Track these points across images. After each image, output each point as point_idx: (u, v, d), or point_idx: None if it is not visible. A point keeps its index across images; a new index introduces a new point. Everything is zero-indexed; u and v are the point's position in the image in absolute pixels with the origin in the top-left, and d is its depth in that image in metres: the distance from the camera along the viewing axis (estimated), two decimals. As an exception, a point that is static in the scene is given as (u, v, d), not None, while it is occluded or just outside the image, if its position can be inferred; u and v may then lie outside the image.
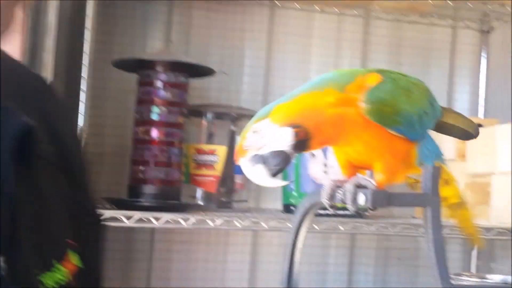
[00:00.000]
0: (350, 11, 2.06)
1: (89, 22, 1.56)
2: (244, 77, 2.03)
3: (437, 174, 0.89)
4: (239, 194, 1.80)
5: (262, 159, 0.88)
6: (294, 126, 0.88)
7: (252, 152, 0.89)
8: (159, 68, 1.65)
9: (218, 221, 1.50)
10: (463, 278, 1.50)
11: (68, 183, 0.75)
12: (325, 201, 0.96)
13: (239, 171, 1.82)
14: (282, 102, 0.91)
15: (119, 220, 1.46)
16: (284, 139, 0.88)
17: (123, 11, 1.94)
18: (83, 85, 1.56)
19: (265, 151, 0.88)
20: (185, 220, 1.49)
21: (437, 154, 1.02)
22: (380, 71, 0.95)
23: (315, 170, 1.68)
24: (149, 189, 1.58)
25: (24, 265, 0.61)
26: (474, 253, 2.09)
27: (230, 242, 1.97)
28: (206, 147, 1.74)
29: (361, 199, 0.89)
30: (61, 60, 1.61)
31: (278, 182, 0.90)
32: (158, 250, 1.91)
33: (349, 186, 0.91)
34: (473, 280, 1.49)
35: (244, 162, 0.89)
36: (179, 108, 1.66)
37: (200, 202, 1.72)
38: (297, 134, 0.88)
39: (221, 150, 1.72)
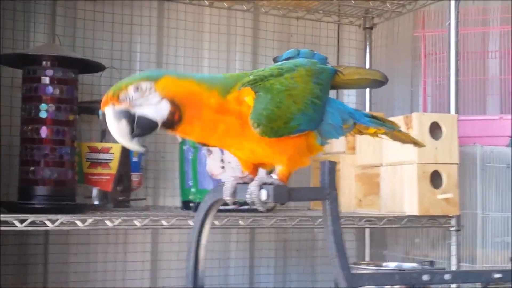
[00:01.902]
0: (239, 6, 2.07)
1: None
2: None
3: (333, 169, 0.93)
4: (137, 192, 1.77)
5: (130, 117, 0.88)
6: (173, 104, 0.89)
7: (124, 105, 0.88)
8: (45, 64, 1.57)
9: (117, 221, 1.46)
10: (361, 267, 1.57)
11: None
12: (227, 198, 0.97)
13: (135, 168, 1.80)
14: (172, 74, 0.92)
15: (11, 224, 1.38)
16: (159, 111, 0.89)
17: (2, 4, 1.83)
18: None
19: (137, 111, 0.89)
20: (82, 221, 1.43)
21: (344, 118, 1.01)
22: (252, 83, 0.92)
23: (212, 166, 1.68)
24: (41, 190, 1.50)
25: None
26: (367, 242, 2.20)
27: (130, 241, 1.93)
28: (100, 145, 1.69)
29: (263, 195, 0.91)
30: None
31: (134, 146, 0.90)
32: (54, 253, 1.84)
33: (252, 188, 0.92)
34: (371, 268, 1.55)
35: (111, 111, 0.89)
36: (69, 105, 1.59)
37: (96, 202, 1.66)
38: (172, 114, 0.89)
39: (115, 148, 1.67)
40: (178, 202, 1.77)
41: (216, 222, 1.52)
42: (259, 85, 0.92)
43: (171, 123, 0.90)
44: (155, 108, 0.89)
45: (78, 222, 1.43)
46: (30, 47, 1.83)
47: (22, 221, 1.40)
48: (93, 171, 1.66)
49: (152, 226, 1.51)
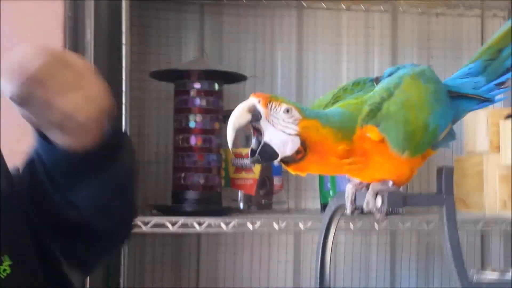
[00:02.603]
0: (376, 7, 2.09)
1: (125, 37, 1.63)
2: (277, 79, 2.09)
3: (450, 174, 0.91)
4: (279, 195, 1.87)
5: (256, 121, 0.84)
6: (303, 145, 0.86)
7: (264, 111, 0.85)
8: (193, 78, 1.72)
9: (257, 224, 1.57)
10: (485, 273, 1.52)
11: None
12: (348, 205, 0.97)
13: (277, 172, 1.90)
14: (320, 117, 0.89)
15: (164, 226, 1.54)
16: (287, 144, 0.85)
17: (156, 22, 2.01)
18: (124, 98, 1.64)
19: (268, 128, 0.84)
20: (226, 224, 1.56)
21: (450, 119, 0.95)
22: (371, 117, 0.89)
23: (349, 168, 1.73)
24: (191, 194, 1.66)
25: None
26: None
27: (274, 242, 2.03)
28: (244, 150, 1.80)
29: (379, 202, 0.91)
30: (101, 76, 1.69)
31: (231, 137, 0.84)
32: (205, 252, 2.00)
33: (368, 196, 0.92)
34: (493, 277, 1.50)
35: (252, 103, 0.85)
36: (215, 115, 1.73)
37: (242, 205, 1.78)
38: (297, 152, 0.86)
39: (258, 153, 1.78)
40: (318, 205, 1.84)
41: (352, 225, 1.57)
42: (377, 118, 0.89)
43: (289, 159, 0.86)
44: (284, 139, 0.85)
45: (222, 225, 1.56)
46: (182, 61, 2.00)
47: (173, 224, 1.56)
48: (238, 176, 1.79)
49: (291, 229, 1.60)
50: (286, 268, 2.04)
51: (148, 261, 1.94)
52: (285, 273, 2.04)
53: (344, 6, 2.08)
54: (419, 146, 0.89)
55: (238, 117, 0.84)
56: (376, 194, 0.92)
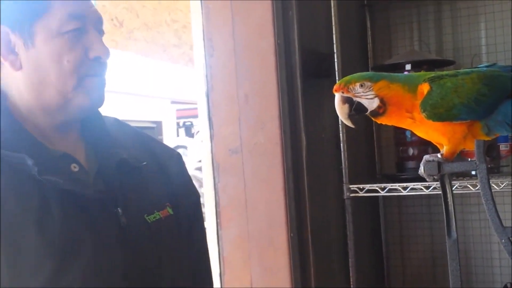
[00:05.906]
0: None
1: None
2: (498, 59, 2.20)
3: (481, 146, 1.15)
4: (507, 160, 1.99)
5: (351, 103, 1.18)
6: (382, 102, 1.17)
7: (349, 94, 1.17)
8: (401, 68, 2.02)
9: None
10: None
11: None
12: (420, 172, 1.21)
13: (504, 139, 2.00)
14: (387, 78, 1.18)
15: (397, 190, 1.88)
16: (371, 104, 1.17)
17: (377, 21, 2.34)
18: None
19: (356, 100, 1.17)
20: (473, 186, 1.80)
21: None
22: (430, 79, 1.16)
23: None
24: (411, 164, 1.94)
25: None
26: None
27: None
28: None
29: (421, 169, 1.19)
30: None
31: (349, 123, 1.19)
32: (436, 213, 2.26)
33: (421, 164, 1.19)
34: None
35: (340, 96, 1.18)
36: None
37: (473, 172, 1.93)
38: (379, 108, 1.17)
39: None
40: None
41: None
42: (434, 81, 1.17)
43: (376, 113, 1.19)
44: (369, 102, 1.18)
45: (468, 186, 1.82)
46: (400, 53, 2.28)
47: (404, 188, 1.87)
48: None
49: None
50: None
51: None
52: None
53: None
54: (435, 115, 1.14)
55: (342, 112, 1.20)
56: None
